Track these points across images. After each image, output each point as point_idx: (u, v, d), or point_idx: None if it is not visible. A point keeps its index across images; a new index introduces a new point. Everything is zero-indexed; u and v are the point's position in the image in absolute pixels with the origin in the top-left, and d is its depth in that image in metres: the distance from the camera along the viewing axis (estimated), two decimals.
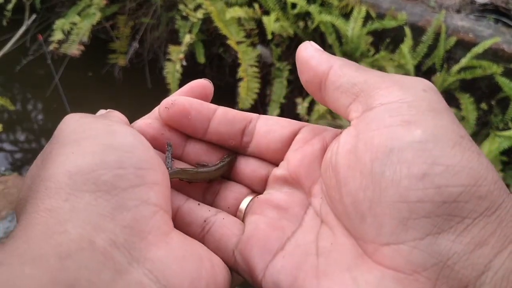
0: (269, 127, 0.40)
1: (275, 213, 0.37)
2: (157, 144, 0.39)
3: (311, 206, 0.37)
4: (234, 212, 0.40)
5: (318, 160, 0.37)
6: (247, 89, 2.33)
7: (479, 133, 2.23)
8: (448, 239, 0.27)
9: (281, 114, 2.48)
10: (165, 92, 2.48)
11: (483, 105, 2.25)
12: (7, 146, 2.73)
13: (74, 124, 0.33)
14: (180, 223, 0.37)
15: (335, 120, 2.08)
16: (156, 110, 0.42)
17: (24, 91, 3.17)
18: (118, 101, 2.97)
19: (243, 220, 0.39)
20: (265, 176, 0.40)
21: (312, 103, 2.32)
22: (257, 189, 0.41)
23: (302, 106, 2.31)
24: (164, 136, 0.40)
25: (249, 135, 0.40)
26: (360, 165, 0.30)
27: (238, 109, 0.42)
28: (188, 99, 0.40)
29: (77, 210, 0.28)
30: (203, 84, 0.41)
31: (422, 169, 0.28)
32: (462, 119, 2.15)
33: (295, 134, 0.40)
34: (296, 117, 2.37)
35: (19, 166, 2.62)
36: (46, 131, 2.92)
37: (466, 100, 2.21)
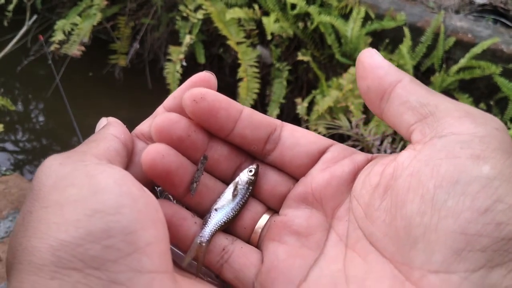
0: (296, 140, 0.39)
1: (295, 240, 0.37)
2: (182, 147, 0.37)
3: (333, 230, 0.36)
4: (250, 232, 0.39)
5: (347, 183, 0.37)
6: (247, 89, 2.34)
7: None
8: (500, 273, 0.27)
9: (281, 114, 2.49)
10: (165, 92, 2.49)
11: (482, 105, 2.26)
12: (8, 146, 2.74)
13: (54, 176, 0.30)
14: None
15: (334, 120, 2.09)
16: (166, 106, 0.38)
17: (25, 92, 3.18)
18: (118, 101, 2.98)
19: (259, 242, 0.38)
20: (284, 194, 0.39)
21: (311, 103, 2.33)
22: (273, 206, 0.40)
23: (301, 106, 2.31)
24: (192, 138, 0.37)
25: (273, 143, 0.39)
26: (422, 189, 0.30)
27: None
28: (217, 95, 0.37)
29: None
30: (205, 77, 0.38)
31: (485, 204, 0.28)
32: None
33: (323, 152, 0.39)
34: (295, 117, 2.38)
35: (20, 166, 2.63)
36: (46, 131, 2.93)
37: (465, 100, 2.22)
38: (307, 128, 2.20)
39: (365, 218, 0.34)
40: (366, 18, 2.35)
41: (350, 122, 2.05)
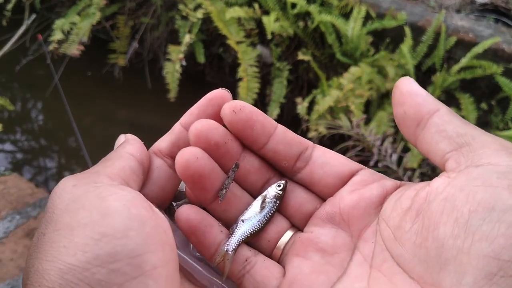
0: (327, 160, 0.40)
1: (319, 257, 0.37)
2: (217, 153, 0.38)
3: (358, 251, 0.37)
4: (273, 246, 0.40)
5: (375, 205, 0.38)
6: (247, 89, 2.33)
7: None
8: None
9: (281, 114, 2.48)
10: (165, 92, 2.48)
11: (483, 105, 2.25)
12: (7, 146, 2.73)
13: (66, 199, 0.32)
14: None
15: (335, 120, 2.08)
16: (193, 114, 0.39)
17: (24, 91, 3.17)
18: (118, 101, 2.97)
19: (281, 258, 0.39)
20: (310, 212, 0.40)
21: (312, 103, 2.32)
22: (298, 223, 0.40)
23: (302, 106, 2.31)
24: (228, 146, 0.38)
25: (304, 161, 0.40)
26: (456, 213, 0.31)
27: None
28: (255, 109, 0.39)
29: None
30: (221, 94, 0.39)
31: None
32: None
33: (352, 174, 0.40)
34: (296, 116, 2.37)
35: (19, 166, 2.62)
36: (45, 131, 2.92)
37: (466, 100, 2.21)
38: (307, 128, 2.19)
39: (393, 240, 0.34)
40: (367, 18, 2.35)
41: (350, 122, 2.04)
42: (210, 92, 0.39)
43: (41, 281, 0.28)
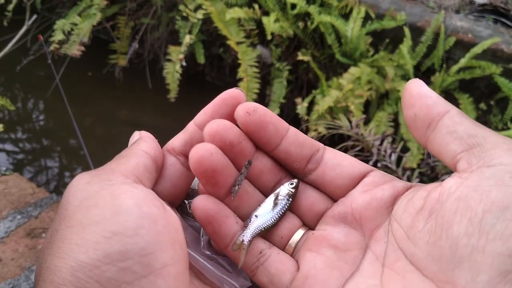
0: (338, 161, 0.40)
1: (332, 253, 0.38)
2: (232, 153, 0.38)
3: (370, 250, 0.37)
4: (285, 243, 0.40)
5: (387, 206, 0.38)
6: (247, 89, 2.34)
7: None
8: None
9: (281, 114, 2.49)
10: (165, 92, 2.49)
11: (482, 105, 2.26)
12: (8, 146, 2.74)
13: (80, 196, 0.32)
14: None
15: (334, 120, 2.09)
16: (207, 113, 0.40)
17: (24, 91, 3.18)
18: (118, 101, 2.98)
19: (293, 254, 0.40)
20: (322, 212, 0.40)
21: (311, 103, 2.33)
22: (309, 222, 0.41)
23: (301, 106, 2.31)
24: (242, 145, 0.39)
25: (315, 163, 0.40)
26: (470, 213, 0.31)
27: None
28: (268, 111, 0.40)
29: None
30: (235, 94, 0.40)
31: None
32: None
33: (363, 176, 0.40)
34: (295, 117, 2.38)
35: (20, 166, 2.63)
36: (46, 131, 2.93)
37: (465, 100, 2.22)
38: (307, 128, 2.20)
39: (406, 239, 0.35)
40: (366, 18, 2.36)
41: (350, 122, 2.04)
42: (224, 92, 0.40)
43: (53, 278, 0.29)
